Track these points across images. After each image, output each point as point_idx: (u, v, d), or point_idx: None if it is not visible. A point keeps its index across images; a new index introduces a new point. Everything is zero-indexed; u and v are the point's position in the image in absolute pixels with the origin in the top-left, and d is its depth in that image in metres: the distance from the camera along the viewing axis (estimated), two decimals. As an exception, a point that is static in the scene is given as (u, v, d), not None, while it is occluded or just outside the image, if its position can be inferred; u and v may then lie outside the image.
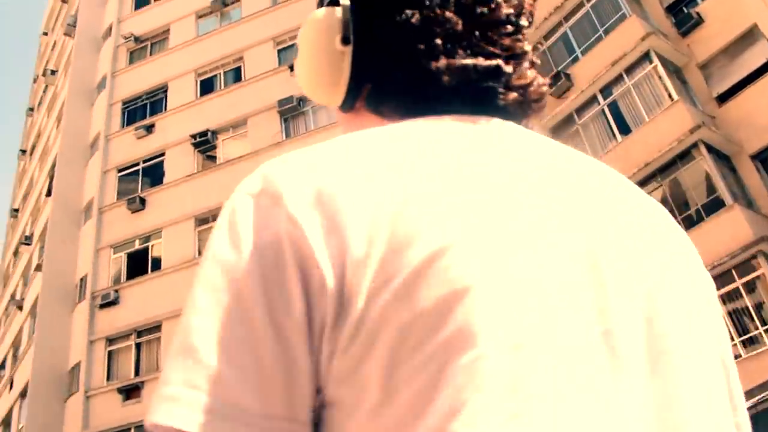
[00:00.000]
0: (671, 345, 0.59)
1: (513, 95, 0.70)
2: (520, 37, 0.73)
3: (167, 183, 23.01)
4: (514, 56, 0.71)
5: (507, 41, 0.71)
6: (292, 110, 21.89)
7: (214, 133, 23.04)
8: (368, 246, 0.52)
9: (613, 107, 18.29)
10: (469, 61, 0.67)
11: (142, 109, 25.53)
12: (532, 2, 0.78)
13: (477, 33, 0.69)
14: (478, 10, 0.70)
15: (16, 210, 33.62)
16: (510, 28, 0.71)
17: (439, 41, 0.68)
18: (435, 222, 0.54)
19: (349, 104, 0.74)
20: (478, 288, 0.52)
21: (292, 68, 21.21)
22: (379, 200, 0.54)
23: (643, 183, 17.04)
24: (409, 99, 0.70)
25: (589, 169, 0.68)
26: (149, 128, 24.24)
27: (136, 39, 27.08)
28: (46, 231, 24.28)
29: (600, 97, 18.53)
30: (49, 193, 25.49)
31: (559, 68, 19.48)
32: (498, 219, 0.56)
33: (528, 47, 0.73)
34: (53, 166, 26.02)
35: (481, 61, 0.68)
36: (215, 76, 24.92)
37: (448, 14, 0.69)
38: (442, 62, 0.67)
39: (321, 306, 0.52)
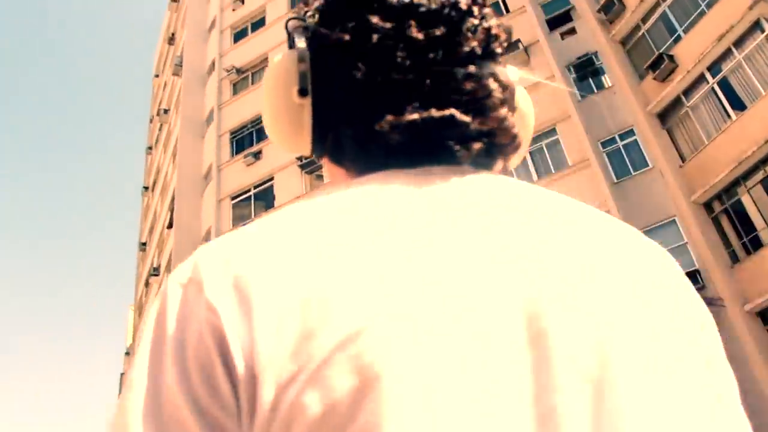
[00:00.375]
0: (623, 414, 0.51)
1: (475, 145, 0.65)
2: (483, 74, 0.66)
3: (278, 206, 23.72)
4: (476, 100, 0.65)
5: (468, 85, 0.65)
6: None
7: (318, 153, 23.57)
8: (277, 335, 0.49)
9: (724, 84, 17.29)
10: (416, 116, 0.63)
11: (249, 137, 26.50)
12: (504, 24, 0.72)
13: (428, 82, 0.64)
14: (431, 55, 0.64)
15: (144, 243, 35.65)
16: (472, 68, 0.66)
17: (384, 98, 0.64)
18: (349, 304, 0.50)
19: (317, 154, 0.72)
20: (391, 375, 0.47)
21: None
22: (292, 285, 0.51)
23: (766, 161, 16.01)
24: (360, 155, 0.67)
25: (553, 214, 0.62)
26: (257, 155, 25.08)
27: (238, 71, 28.19)
28: (171, 261, 25.60)
29: (708, 76, 17.57)
30: (170, 225, 26.89)
31: (661, 50, 18.64)
32: (424, 293, 0.52)
33: (494, 86, 0.66)
34: (172, 199, 27.44)
35: (433, 113, 0.63)
36: (314, 97, 25.54)
37: (399, 63, 0.64)
38: (388, 120, 0.63)
39: (240, 393, 0.49)
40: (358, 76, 0.65)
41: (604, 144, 18.30)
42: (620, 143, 18.25)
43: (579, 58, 19.93)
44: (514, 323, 0.52)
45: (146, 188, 38.92)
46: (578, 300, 0.55)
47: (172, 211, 27.23)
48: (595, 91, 19.31)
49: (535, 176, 18.20)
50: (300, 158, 23.27)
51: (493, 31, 0.69)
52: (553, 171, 18.06)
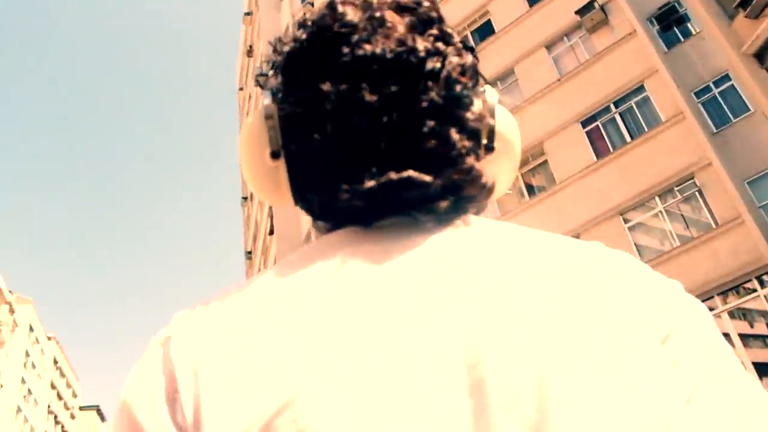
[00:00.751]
0: None
1: (440, 204, 0.63)
2: (444, 127, 0.64)
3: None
4: (438, 156, 0.64)
5: (429, 142, 0.63)
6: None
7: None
8: (221, 399, 0.53)
9: (824, 12, 16.07)
10: (373, 183, 0.62)
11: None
12: (467, 61, 0.69)
13: (383, 145, 0.63)
14: (384, 119, 0.63)
15: (250, 252, 36.88)
16: (431, 123, 0.63)
17: (342, 165, 0.64)
18: (286, 372, 0.53)
19: (302, 207, 0.72)
20: None
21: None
22: (239, 356, 0.55)
23: None
24: (327, 219, 0.68)
25: (506, 256, 0.61)
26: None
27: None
28: (276, 266, 26.28)
29: (805, 5, 16.38)
30: (271, 232, 27.69)
31: (749, -14, 17.52)
32: (360, 355, 0.54)
33: (456, 137, 0.64)
34: (270, 206, 28.24)
35: (391, 176, 0.62)
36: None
37: (353, 129, 0.63)
38: (346, 188, 0.63)
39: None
40: (315, 146, 0.65)
41: (697, 94, 17.43)
42: (715, 90, 17.33)
43: (660, 8, 19.02)
44: (453, 374, 0.53)
45: (245, 198, 40.21)
46: (518, 343, 0.55)
47: (271, 217, 28.02)
48: (682, 39, 18.39)
49: (627, 137, 17.58)
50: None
51: (454, 75, 0.67)
52: (646, 129, 17.36)
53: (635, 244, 16.43)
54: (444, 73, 0.66)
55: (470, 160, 0.66)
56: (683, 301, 0.64)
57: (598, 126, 18.20)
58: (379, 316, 0.56)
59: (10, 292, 62.94)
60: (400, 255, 0.61)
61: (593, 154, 17.88)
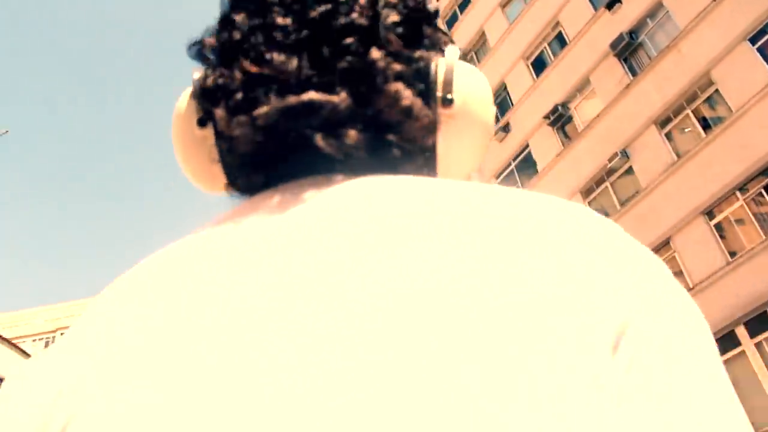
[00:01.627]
0: None
1: (349, 132, 0.52)
2: (368, 48, 0.54)
3: (541, 170, 23.53)
4: (350, 75, 0.53)
5: (345, 61, 0.54)
6: (626, 47, 20.71)
7: (565, 105, 22.97)
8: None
9: None
10: (265, 109, 0.52)
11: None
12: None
13: (289, 68, 0.54)
14: (293, 37, 0.55)
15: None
16: (350, 40, 0.54)
17: (240, 97, 0.54)
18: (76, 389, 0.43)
19: (235, 191, 0.61)
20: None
21: (609, 6, 20.31)
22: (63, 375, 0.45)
23: None
24: (230, 176, 0.59)
25: (405, 227, 0.45)
26: (506, 128, 25.23)
27: (462, 56, 28.53)
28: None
29: None
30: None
31: None
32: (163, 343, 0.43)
33: (377, 55, 0.54)
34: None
35: (290, 100, 0.52)
36: (542, 51, 24.99)
37: (259, 55, 0.54)
38: (240, 120, 0.53)
39: None
40: (219, 79, 0.56)
41: None
42: None
43: None
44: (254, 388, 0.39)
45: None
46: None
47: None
48: None
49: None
50: (547, 116, 22.99)
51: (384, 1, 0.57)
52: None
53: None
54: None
55: (395, 86, 0.54)
56: (658, 285, 0.44)
57: (771, 38, 16.66)
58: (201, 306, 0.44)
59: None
60: (265, 229, 0.49)
61: (772, 70, 16.40)
